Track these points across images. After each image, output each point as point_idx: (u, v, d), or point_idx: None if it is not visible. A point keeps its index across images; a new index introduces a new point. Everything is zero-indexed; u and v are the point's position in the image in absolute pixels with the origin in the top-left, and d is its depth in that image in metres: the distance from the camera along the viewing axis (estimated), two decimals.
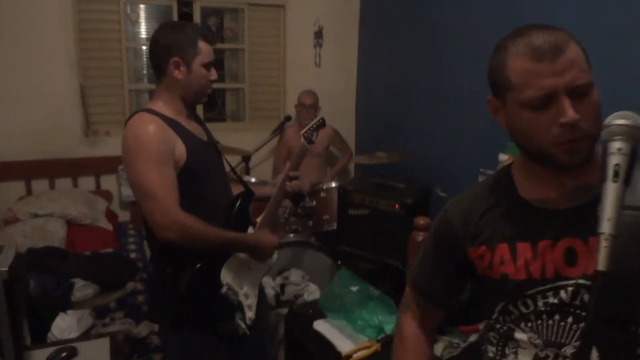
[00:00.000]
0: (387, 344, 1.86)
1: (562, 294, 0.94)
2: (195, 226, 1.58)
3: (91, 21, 3.60)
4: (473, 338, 2.07)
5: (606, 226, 0.78)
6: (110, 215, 3.53)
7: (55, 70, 3.52)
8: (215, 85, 4.51)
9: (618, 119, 0.83)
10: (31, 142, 3.51)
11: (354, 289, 2.03)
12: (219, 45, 4.17)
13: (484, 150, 2.92)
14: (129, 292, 2.67)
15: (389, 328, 1.91)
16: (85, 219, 3.25)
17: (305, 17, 4.20)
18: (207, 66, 1.70)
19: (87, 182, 3.71)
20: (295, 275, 2.95)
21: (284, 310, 2.83)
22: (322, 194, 3.18)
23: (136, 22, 3.80)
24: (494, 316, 1.06)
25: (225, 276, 1.73)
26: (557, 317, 0.95)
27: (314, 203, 3.16)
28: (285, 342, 2.17)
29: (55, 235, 3.03)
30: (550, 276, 0.96)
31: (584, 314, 0.93)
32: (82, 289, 2.49)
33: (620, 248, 0.79)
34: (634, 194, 0.85)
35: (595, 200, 0.85)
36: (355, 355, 1.79)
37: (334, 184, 3.21)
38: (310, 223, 3.21)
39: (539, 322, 0.97)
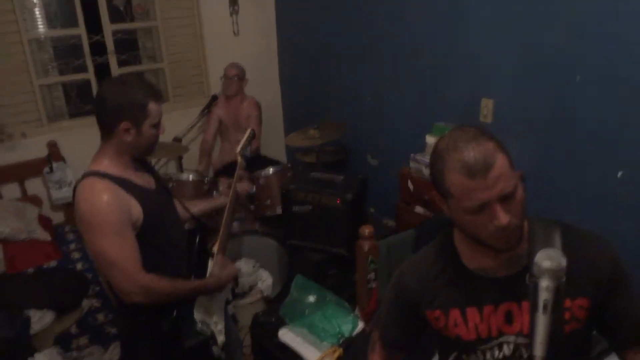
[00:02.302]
0: (348, 346, 2.07)
1: (505, 348, 1.20)
2: (159, 286, 1.66)
3: None
4: None
5: (539, 349, 0.98)
6: (44, 221, 3.42)
7: None
8: (133, 68, 4.27)
9: (545, 261, 1.00)
10: None
11: (312, 298, 2.20)
12: (131, 25, 3.92)
13: (412, 129, 3.10)
14: (86, 311, 2.69)
15: (347, 329, 2.12)
16: (20, 234, 3.12)
17: None
18: (156, 126, 1.70)
19: (11, 190, 3.53)
20: (246, 265, 3.06)
21: (241, 302, 3.00)
22: (260, 181, 3.25)
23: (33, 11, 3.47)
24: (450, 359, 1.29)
25: (198, 313, 1.84)
26: None
27: (254, 189, 3.23)
28: (253, 352, 2.34)
29: None
30: (494, 335, 1.20)
31: None
32: (39, 320, 2.47)
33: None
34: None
35: (525, 269, 1.09)
36: None
37: (272, 170, 3.28)
38: (252, 207, 3.30)
39: None
